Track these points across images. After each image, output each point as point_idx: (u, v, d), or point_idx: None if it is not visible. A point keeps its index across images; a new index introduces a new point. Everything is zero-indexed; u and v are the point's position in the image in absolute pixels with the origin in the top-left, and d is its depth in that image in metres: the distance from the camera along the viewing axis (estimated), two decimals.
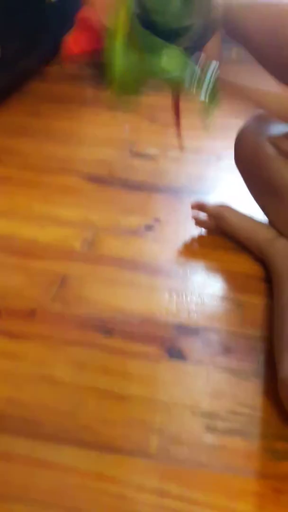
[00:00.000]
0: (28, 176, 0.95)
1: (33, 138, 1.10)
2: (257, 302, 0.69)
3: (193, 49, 0.58)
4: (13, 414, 0.52)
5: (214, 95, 0.59)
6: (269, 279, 0.72)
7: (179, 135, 0.72)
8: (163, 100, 0.77)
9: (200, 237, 0.82)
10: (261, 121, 0.74)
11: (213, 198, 0.84)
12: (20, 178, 0.94)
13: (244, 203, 0.78)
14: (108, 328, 0.63)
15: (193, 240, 0.81)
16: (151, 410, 0.54)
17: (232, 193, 0.86)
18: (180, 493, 0.47)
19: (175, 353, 0.60)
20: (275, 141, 0.69)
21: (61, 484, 0.47)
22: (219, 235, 0.80)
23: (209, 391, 0.56)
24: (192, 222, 0.82)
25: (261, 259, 0.75)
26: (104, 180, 0.96)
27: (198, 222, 0.83)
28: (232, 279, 0.73)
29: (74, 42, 0.70)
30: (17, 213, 0.84)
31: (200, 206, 0.80)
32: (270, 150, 0.70)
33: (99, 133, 1.14)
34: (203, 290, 0.71)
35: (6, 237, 0.78)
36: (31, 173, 0.96)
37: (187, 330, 0.64)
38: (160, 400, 0.55)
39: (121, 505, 0.46)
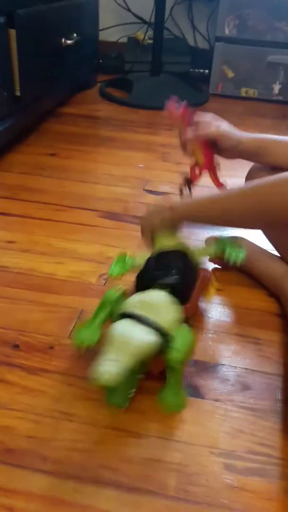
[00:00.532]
0: (46, 213, 0.98)
1: (51, 176, 1.14)
2: (274, 338, 0.69)
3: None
4: (32, 451, 0.52)
5: (238, 251, 0.68)
6: (284, 315, 0.73)
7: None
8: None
9: (215, 272, 0.83)
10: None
11: (227, 231, 0.86)
12: (38, 215, 0.97)
13: (257, 235, 0.81)
14: None
15: None
16: (169, 448, 0.53)
17: None
18: None
19: (192, 391, 0.60)
20: None
21: None
22: (234, 271, 0.81)
23: (227, 430, 0.56)
24: (207, 257, 0.84)
25: (276, 294, 0.76)
26: (119, 217, 0.98)
27: (213, 257, 0.84)
28: (248, 315, 0.74)
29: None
30: (36, 249, 0.86)
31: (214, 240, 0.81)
32: None
33: (114, 172, 1.18)
34: (219, 326, 0.71)
35: (25, 272, 0.80)
36: (49, 210, 0.99)
37: (204, 367, 0.64)
38: (178, 439, 0.55)
39: None
